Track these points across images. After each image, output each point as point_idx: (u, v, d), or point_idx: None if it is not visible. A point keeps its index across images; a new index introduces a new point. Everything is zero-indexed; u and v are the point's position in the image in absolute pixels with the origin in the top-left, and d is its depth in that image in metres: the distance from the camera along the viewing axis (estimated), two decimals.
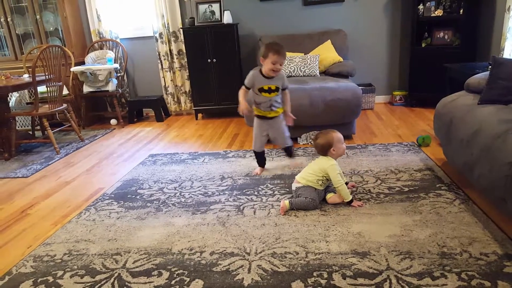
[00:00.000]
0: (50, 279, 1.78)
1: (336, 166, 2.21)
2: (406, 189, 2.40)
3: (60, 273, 1.82)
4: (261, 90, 2.54)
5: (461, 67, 3.55)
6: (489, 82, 2.30)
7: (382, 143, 3.29)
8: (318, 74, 4.03)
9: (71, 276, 1.79)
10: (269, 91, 2.54)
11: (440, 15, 4.10)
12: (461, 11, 4.00)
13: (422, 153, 3.00)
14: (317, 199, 2.23)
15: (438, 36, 4.25)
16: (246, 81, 2.57)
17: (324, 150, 2.24)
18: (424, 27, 4.31)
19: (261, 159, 2.88)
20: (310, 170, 2.27)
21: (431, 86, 4.19)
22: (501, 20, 3.60)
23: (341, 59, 4.16)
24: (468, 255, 1.70)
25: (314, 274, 1.66)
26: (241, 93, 2.59)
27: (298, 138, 3.52)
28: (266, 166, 2.95)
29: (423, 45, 4.30)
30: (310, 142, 3.43)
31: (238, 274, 1.70)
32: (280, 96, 2.61)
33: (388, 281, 1.57)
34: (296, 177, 2.36)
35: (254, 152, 2.84)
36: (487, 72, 2.46)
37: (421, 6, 4.18)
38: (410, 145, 3.18)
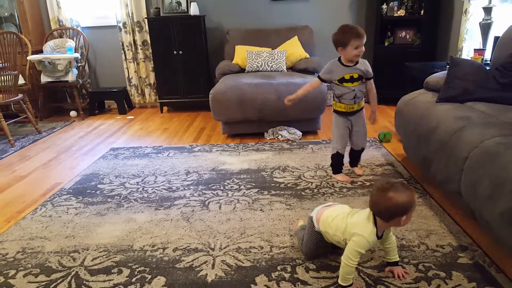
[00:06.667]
0: (1, 279, 1.68)
1: (366, 244, 1.43)
2: (368, 183, 2.46)
3: (12, 272, 1.73)
4: (343, 80, 2.32)
5: (421, 66, 3.67)
6: (447, 81, 2.39)
7: None
8: (285, 69, 4.05)
9: (24, 276, 1.70)
10: (352, 80, 2.31)
11: (403, 15, 4.23)
12: (422, 12, 4.14)
13: (383, 148, 3.08)
14: (315, 254, 1.70)
15: (400, 35, 4.37)
16: (323, 72, 2.38)
17: (390, 215, 1.37)
18: (387, 26, 4.42)
19: (340, 163, 2.55)
20: (334, 224, 1.56)
21: (393, 84, 4.31)
22: (458, 22, 3.75)
23: (308, 55, 4.20)
24: (425, 247, 1.76)
25: (278, 268, 1.66)
26: (308, 85, 2.48)
27: (265, 133, 3.53)
28: (233, 160, 2.93)
29: (386, 44, 4.41)
30: (276, 137, 3.44)
31: (202, 270, 1.67)
32: (363, 86, 2.37)
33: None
34: (323, 213, 1.63)
35: (336, 155, 2.49)
36: (445, 72, 2.55)
37: (384, 6, 4.29)
38: (372, 141, 3.26)
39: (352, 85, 2.34)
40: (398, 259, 1.60)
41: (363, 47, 2.24)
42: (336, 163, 2.55)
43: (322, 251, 1.69)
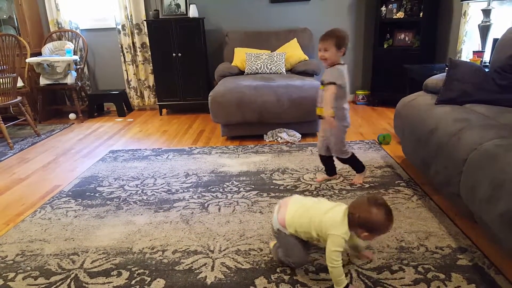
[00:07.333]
0: (0, 281, 1.68)
1: (343, 241, 1.46)
2: (367, 185, 2.46)
3: (11, 275, 1.72)
4: None
5: (420, 68, 3.68)
6: (446, 83, 2.40)
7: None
8: (284, 71, 4.05)
9: (23, 278, 1.69)
10: (322, 82, 2.30)
11: (402, 17, 4.24)
12: (421, 14, 4.15)
13: (382, 150, 3.09)
14: (305, 254, 1.62)
15: (399, 37, 4.39)
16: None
17: (358, 223, 1.44)
18: (386, 29, 4.43)
19: (324, 164, 2.56)
20: (306, 220, 1.54)
21: (392, 86, 4.32)
22: (457, 24, 3.77)
23: (307, 58, 4.21)
24: (424, 249, 1.76)
25: (278, 270, 1.66)
26: None
27: (264, 135, 3.53)
28: (232, 162, 2.93)
29: (385, 46, 4.42)
30: (276, 139, 3.45)
31: (201, 272, 1.67)
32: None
33: (349, 275, 1.60)
34: (286, 217, 1.58)
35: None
36: (444, 74, 2.56)
37: (383, 8, 4.31)
38: (371, 143, 3.26)
39: (321, 88, 2.32)
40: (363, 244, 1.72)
41: (327, 53, 2.20)
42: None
43: (307, 248, 1.65)
